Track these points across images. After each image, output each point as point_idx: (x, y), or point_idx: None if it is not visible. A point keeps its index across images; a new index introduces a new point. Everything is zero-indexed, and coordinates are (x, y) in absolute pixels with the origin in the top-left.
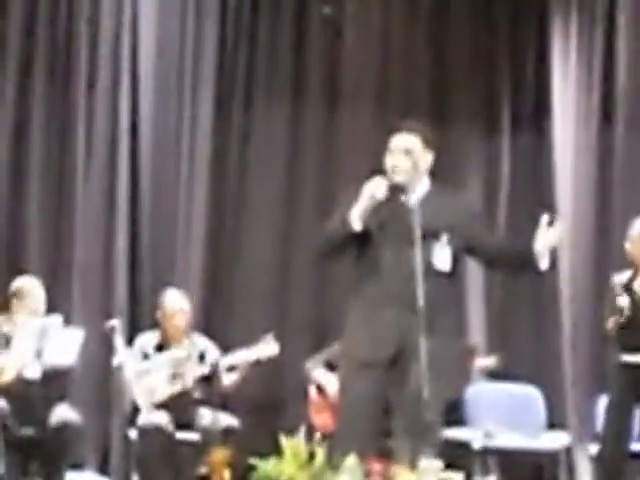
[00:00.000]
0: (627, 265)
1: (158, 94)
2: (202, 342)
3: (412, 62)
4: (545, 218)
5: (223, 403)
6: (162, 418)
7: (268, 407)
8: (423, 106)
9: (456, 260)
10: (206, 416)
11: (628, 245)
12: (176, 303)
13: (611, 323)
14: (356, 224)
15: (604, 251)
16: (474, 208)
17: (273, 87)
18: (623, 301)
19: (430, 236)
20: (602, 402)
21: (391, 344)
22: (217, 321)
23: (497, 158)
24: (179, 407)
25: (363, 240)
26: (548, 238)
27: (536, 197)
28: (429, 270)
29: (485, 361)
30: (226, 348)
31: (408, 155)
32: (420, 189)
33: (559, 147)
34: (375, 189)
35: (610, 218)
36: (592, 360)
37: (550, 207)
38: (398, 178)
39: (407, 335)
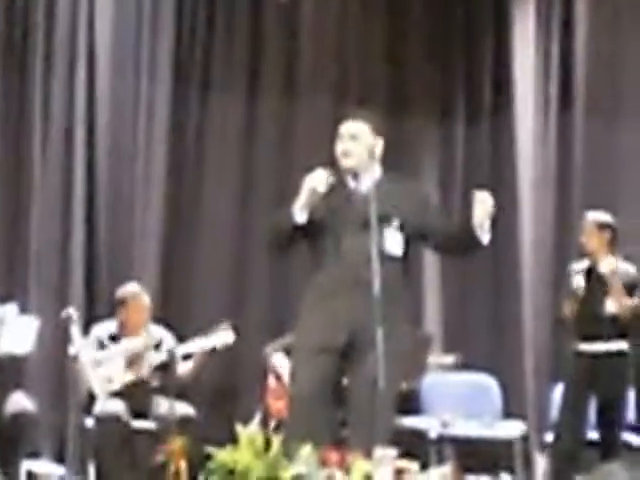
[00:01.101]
0: (584, 254)
1: (114, 81)
2: (158, 331)
3: (369, 50)
4: (477, 193)
5: (180, 392)
6: (118, 407)
7: (224, 395)
8: (380, 94)
9: (407, 245)
10: (162, 405)
11: (583, 238)
12: (137, 299)
13: (567, 308)
14: (299, 216)
15: (564, 240)
16: (426, 194)
17: (230, 76)
18: (579, 281)
19: (381, 221)
20: (558, 391)
21: (343, 330)
22: (174, 309)
23: (454, 146)
24: (135, 396)
25: (315, 227)
26: (483, 210)
27: (495, 185)
28: (380, 255)
29: (443, 359)
30: (183, 337)
31: (356, 140)
32: (371, 176)
33: (519, 134)
34: (316, 182)
35: (570, 207)
36: (548, 349)
37: (510, 195)
38: (347, 163)
39: (360, 321)
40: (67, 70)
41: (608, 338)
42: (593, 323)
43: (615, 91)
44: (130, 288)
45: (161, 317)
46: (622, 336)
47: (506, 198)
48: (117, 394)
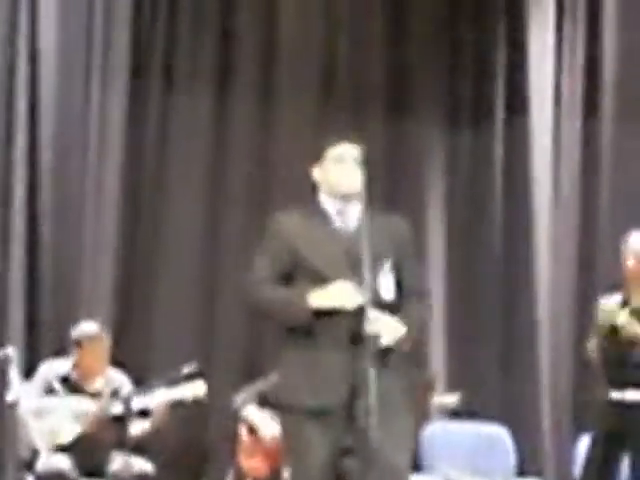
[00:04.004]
0: (615, 286)
1: (61, 80)
2: (117, 378)
3: (363, 43)
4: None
5: (137, 445)
6: (65, 463)
7: (189, 449)
8: (376, 98)
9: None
10: (116, 461)
11: (624, 267)
12: (96, 342)
13: (595, 351)
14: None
15: (589, 268)
16: (408, 237)
17: (197, 72)
18: (612, 308)
19: (373, 263)
20: (582, 444)
21: (343, 387)
22: (130, 347)
23: (460, 155)
24: (86, 451)
25: (297, 270)
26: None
27: (507, 200)
28: (375, 301)
29: (445, 399)
30: (140, 380)
31: (359, 167)
32: (354, 211)
33: (535, 142)
34: (348, 302)
35: (596, 228)
36: (569, 395)
37: (524, 213)
38: (353, 188)
39: (359, 375)
40: (5, 74)
41: None
42: (626, 368)
43: None
44: (86, 328)
45: (116, 357)
46: None
47: (519, 217)
48: (64, 448)
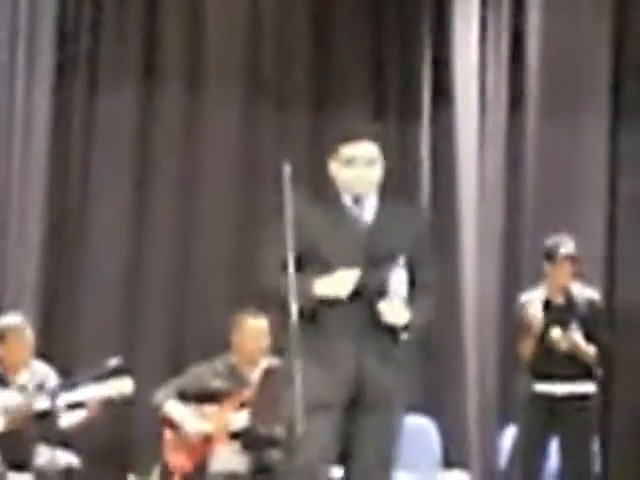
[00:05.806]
0: (539, 280)
1: None
2: (43, 370)
3: (288, 39)
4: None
5: (63, 439)
6: None
7: (116, 443)
8: (302, 90)
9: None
10: (42, 454)
11: (552, 270)
12: (19, 333)
13: (523, 345)
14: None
15: (514, 263)
16: (424, 230)
17: (122, 64)
18: (534, 313)
19: (387, 257)
20: (507, 436)
21: (351, 380)
22: (56, 340)
23: (385, 151)
24: (11, 444)
25: (310, 259)
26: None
27: (434, 197)
28: (386, 296)
29: None
30: (64, 371)
31: (372, 166)
32: (371, 203)
33: (460, 136)
34: (341, 290)
35: (522, 222)
36: (495, 386)
37: (450, 208)
38: (361, 190)
39: (366, 368)
40: None
41: (570, 379)
42: (551, 361)
43: (575, 83)
44: (10, 320)
45: (41, 348)
46: (588, 376)
47: (446, 211)
48: None
